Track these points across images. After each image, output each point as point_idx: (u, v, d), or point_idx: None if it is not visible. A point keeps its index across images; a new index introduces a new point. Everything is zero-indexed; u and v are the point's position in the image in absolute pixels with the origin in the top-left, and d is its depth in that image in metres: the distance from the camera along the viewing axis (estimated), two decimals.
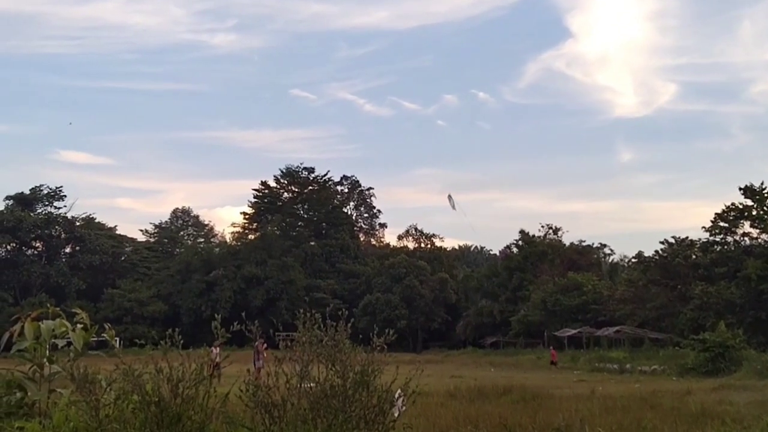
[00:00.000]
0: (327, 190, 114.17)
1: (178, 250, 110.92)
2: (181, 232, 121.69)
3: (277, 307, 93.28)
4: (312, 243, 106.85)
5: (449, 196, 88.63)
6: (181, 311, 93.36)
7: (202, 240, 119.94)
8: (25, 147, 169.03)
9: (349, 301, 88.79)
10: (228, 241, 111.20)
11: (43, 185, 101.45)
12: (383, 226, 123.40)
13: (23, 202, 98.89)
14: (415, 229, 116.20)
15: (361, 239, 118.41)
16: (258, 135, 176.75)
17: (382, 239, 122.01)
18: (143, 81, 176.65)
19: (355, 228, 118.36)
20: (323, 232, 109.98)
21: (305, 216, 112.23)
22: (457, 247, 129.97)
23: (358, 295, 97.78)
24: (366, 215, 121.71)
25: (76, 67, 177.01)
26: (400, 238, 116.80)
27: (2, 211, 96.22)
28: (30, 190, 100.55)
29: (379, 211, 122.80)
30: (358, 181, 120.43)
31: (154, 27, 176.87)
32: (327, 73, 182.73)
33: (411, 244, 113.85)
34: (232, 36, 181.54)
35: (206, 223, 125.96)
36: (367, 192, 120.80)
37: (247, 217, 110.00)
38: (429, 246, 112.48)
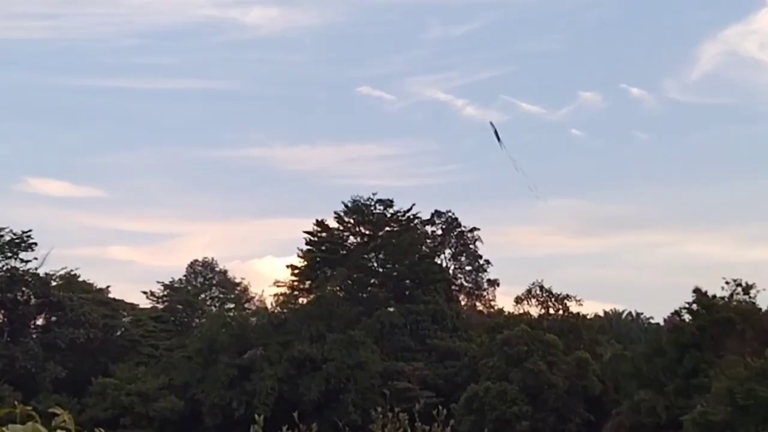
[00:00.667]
0: (412, 231, 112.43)
1: (198, 320, 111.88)
2: (203, 295, 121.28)
3: (342, 402, 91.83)
4: (391, 309, 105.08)
5: (491, 123, 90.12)
6: (204, 409, 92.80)
7: (233, 306, 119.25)
8: None
9: (446, 394, 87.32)
10: (269, 307, 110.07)
11: (4, 229, 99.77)
12: (494, 283, 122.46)
13: None
14: (541, 287, 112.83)
15: (463, 303, 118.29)
16: (312, 153, 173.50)
17: (492, 303, 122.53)
18: (147, 77, 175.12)
19: (454, 287, 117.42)
20: (407, 292, 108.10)
21: (381, 270, 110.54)
22: (601, 314, 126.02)
23: (458, 384, 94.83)
24: (469, 268, 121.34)
25: (52, 59, 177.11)
26: (518, 300, 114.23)
27: None
28: None
29: (487, 261, 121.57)
30: (456, 219, 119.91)
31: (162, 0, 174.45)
32: (411, 62, 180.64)
33: (535, 310, 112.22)
34: (273, 11, 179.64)
35: (238, 281, 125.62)
36: (469, 235, 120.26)
37: (296, 271, 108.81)
38: (561, 312, 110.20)
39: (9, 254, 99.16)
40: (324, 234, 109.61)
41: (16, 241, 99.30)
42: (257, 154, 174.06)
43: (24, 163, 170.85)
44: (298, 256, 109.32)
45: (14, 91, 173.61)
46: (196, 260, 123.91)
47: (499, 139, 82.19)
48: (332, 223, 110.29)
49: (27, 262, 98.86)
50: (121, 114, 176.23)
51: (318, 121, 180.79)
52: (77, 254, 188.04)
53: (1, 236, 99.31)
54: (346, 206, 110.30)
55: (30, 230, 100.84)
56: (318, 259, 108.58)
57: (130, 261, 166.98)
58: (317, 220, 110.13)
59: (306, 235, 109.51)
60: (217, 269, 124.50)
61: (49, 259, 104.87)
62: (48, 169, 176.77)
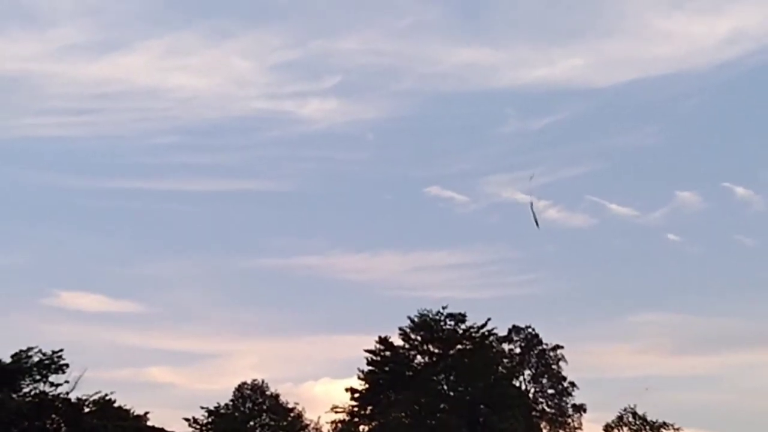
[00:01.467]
0: (487, 350, 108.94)
1: None
2: (252, 422, 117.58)
3: None
4: None
5: (531, 204, 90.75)
6: None
7: None
8: (3, 286, 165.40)
9: None
10: None
11: (32, 348, 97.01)
12: (580, 408, 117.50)
13: (1, 376, 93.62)
14: (633, 414, 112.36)
15: (545, 431, 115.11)
16: (374, 261, 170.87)
17: (578, 431, 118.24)
18: (189, 178, 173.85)
19: (534, 412, 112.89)
20: (481, 419, 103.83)
21: (452, 393, 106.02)
22: None
23: None
24: (551, 391, 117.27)
25: (84, 158, 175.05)
26: (608, 429, 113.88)
27: None
28: (12, 357, 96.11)
29: (572, 384, 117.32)
30: (537, 336, 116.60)
31: (207, 92, 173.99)
32: (485, 159, 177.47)
33: None
34: (331, 103, 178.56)
35: (291, 406, 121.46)
36: (551, 353, 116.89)
37: (357, 395, 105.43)
38: None
39: (38, 377, 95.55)
40: (388, 353, 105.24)
41: (46, 362, 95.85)
42: (312, 263, 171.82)
43: (54, 275, 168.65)
44: (359, 377, 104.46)
45: (43, 195, 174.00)
46: (244, 383, 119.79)
47: (537, 223, 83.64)
48: (397, 341, 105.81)
49: (57, 385, 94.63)
50: (160, 219, 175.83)
51: (381, 226, 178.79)
52: (113, 376, 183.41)
53: (29, 357, 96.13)
54: (412, 321, 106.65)
55: (61, 350, 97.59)
56: (381, 381, 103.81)
57: (171, 383, 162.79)
58: (380, 337, 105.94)
59: (367, 354, 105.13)
60: (267, 393, 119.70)
61: (82, 381, 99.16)
62: (80, 281, 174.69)
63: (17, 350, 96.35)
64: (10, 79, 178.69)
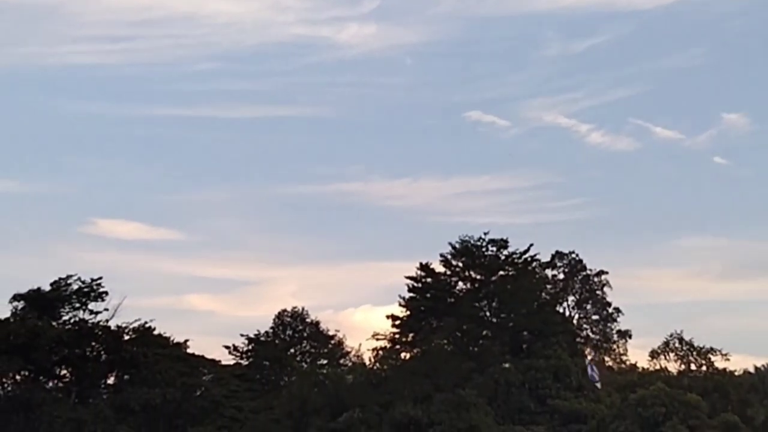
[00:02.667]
0: (530, 276, 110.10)
1: (286, 378, 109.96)
2: (292, 350, 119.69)
3: None
4: (506, 365, 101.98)
5: (589, 365, 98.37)
6: None
7: (326, 362, 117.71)
8: (42, 215, 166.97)
9: None
10: (367, 363, 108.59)
11: (71, 276, 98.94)
12: (625, 335, 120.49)
13: (41, 304, 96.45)
14: (680, 339, 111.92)
15: (590, 357, 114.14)
16: (414, 187, 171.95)
17: (623, 357, 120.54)
18: (227, 105, 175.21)
19: (579, 339, 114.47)
20: (525, 346, 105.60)
21: (494, 320, 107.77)
22: (752, 370, 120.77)
23: None
24: (596, 317, 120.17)
25: (121, 86, 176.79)
26: (654, 355, 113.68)
27: (8, 319, 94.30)
28: (51, 284, 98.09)
29: (617, 310, 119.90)
30: (581, 261, 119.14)
31: (245, 18, 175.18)
32: (527, 83, 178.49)
33: (673, 366, 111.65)
34: (370, 28, 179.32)
35: (331, 333, 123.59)
36: (596, 279, 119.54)
37: (398, 322, 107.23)
38: (704, 368, 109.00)
39: (77, 305, 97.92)
40: (429, 279, 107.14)
41: (85, 290, 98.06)
42: (352, 189, 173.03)
43: (92, 203, 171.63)
44: (400, 304, 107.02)
45: (81, 123, 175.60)
46: (284, 310, 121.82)
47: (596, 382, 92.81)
48: (438, 267, 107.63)
49: (97, 313, 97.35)
50: (199, 146, 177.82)
51: (421, 152, 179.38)
52: (152, 304, 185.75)
53: (68, 285, 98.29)
54: (453, 248, 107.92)
55: (100, 278, 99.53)
56: (422, 308, 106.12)
57: (211, 311, 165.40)
58: (421, 264, 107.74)
59: (408, 281, 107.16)
60: (307, 320, 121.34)
61: (121, 309, 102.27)
62: (119, 209, 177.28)
63: (57, 278, 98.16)
64: (47, 7, 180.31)
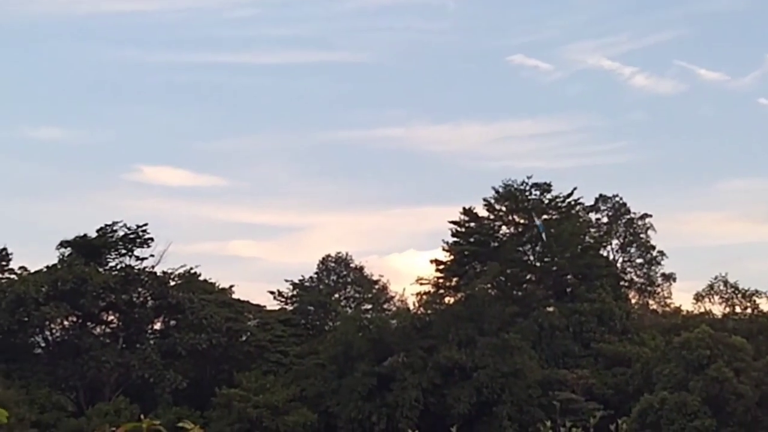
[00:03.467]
0: (574, 219, 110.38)
1: (331, 323, 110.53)
2: (336, 295, 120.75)
3: (496, 415, 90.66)
4: (550, 308, 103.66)
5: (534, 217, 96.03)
6: (339, 423, 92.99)
7: (370, 307, 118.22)
8: (87, 162, 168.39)
9: (616, 405, 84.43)
10: (411, 307, 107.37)
11: (116, 223, 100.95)
12: (669, 278, 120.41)
13: (87, 250, 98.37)
14: (725, 282, 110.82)
15: (633, 301, 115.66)
16: (457, 132, 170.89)
17: (667, 300, 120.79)
18: (268, 51, 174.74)
19: (623, 282, 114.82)
20: (569, 289, 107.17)
21: (538, 264, 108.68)
22: None
23: (629, 394, 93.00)
24: (640, 260, 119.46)
25: (161, 34, 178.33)
26: (698, 298, 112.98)
27: (55, 265, 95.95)
28: (97, 231, 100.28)
29: (661, 253, 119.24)
30: (625, 205, 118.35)
31: None
32: (570, 26, 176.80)
33: (718, 308, 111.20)
34: None
35: (375, 278, 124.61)
36: (640, 222, 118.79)
37: (441, 267, 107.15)
38: (749, 311, 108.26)
39: (123, 251, 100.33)
40: (472, 224, 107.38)
41: (131, 236, 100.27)
42: (395, 134, 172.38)
43: (136, 150, 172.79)
44: (444, 249, 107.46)
45: (122, 71, 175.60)
46: (328, 255, 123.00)
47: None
48: (481, 212, 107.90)
49: (143, 259, 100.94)
50: (240, 93, 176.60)
51: (463, 97, 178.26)
52: (197, 250, 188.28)
53: (114, 231, 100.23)
54: (496, 192, 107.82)
55: (145, 224, 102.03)
56: (466, 252, 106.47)
57: (255, 257, 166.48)
58: (464, 209, 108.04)
59: (452, 226, 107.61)
60: (351, 265, 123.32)
61: (167, 256, 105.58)
62: (163, 156, 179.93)
63: (102, 225, 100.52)
64: None
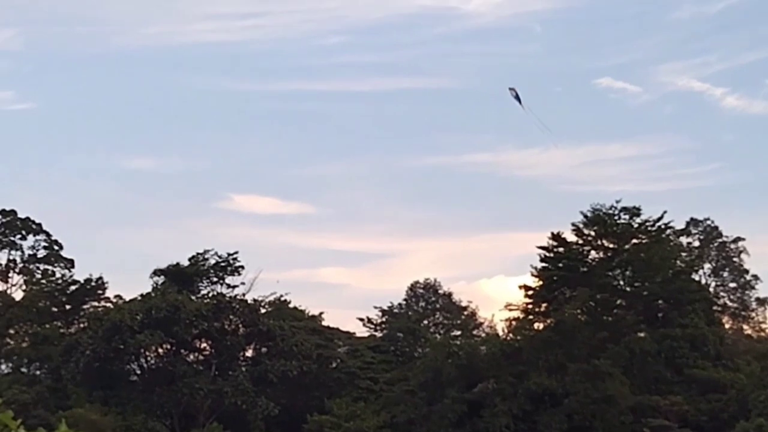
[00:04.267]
0: (664, 243, 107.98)
1: (420, 350, 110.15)
2: (425, 321, 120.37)
3: None
4: (641, 334, 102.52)
5: (511, 89, 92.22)
6: None
7: (459, 333, 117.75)
8: (178, 190, 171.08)
9: None
10: (501, 333, 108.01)
11: (208, 251, 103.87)
12: (764, 302, 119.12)
13: (180, 278, 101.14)
14: None
15: (727, 326, 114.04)
16: (545, 156, 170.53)
17: (762, 325, 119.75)
18: (356, 78, 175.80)
19: (716, 307, 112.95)
20: (660, 314, 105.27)
21: (628, 289, 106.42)
22: None
23: (724, 421, 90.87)
24: (733, 285, 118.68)
25: (250, 62, 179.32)
26: None
27: (149, 294, 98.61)
28: (189, 259, 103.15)
29: (755, 277, 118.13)
30: (716, 228, 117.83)
31: None
32: (658, 47, 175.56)
33: None
34: None
35: (464, 304, 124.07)
36: (732, 246, 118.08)
37: (530, 292, 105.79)
38: None
39: (215, 279, 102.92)
40: (561, 249, 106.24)
41: (222, 264, 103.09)
42: (482, 159, 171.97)
43: (227, 179, 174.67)
44: (532, 275, 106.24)
45: (214, 99, 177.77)
46: (417, 282, 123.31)
47: (520, 102, 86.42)
48: (570, 237, 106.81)
49: (234, 287, 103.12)
50: (329, 120, 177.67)
51: (551, 120, 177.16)
52: (287, 277, 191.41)
53: (206, 260, 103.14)
54: (585, 216, 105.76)
55: (236, 252, 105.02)
56: (555, 277, 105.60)
57: (345, 284, 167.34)
58: (553, 234, 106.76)
59: (540, 251, 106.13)
60: (440, 292, 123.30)
61: (257, 283, 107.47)
62: (253, 184, 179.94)
63: (194, 253, 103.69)
64: None
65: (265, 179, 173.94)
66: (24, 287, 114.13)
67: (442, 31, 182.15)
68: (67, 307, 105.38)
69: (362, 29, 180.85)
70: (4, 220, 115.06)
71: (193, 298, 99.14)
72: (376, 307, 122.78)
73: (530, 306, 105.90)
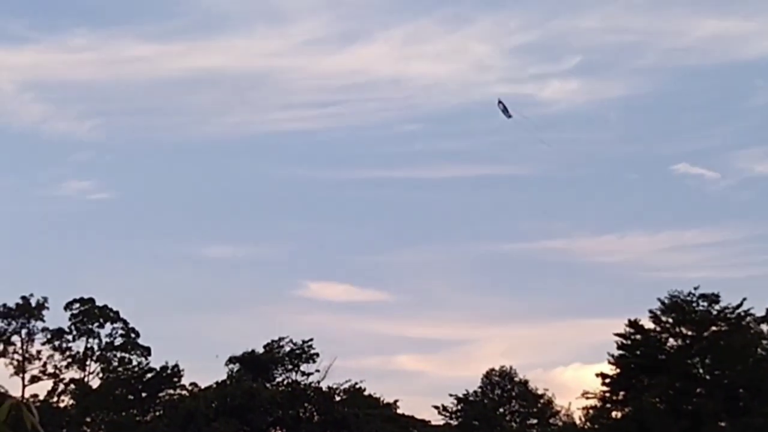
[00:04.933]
0: (744, 331, 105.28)
1: None
2: (501, 409, 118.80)
3: None
4: (722, 423, 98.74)
5: (499, 102, 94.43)
6: None
7: (536, 421, 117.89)
8: (254, 278, 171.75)
9: None
10: (578, 422, 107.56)
11: (283, 339, 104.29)
12: None
13: (255, 366, 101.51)
14: None
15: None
16: (621, 243, 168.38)
17: None
18: (431, 165, 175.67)
19: None
20: (741, 404, 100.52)
21: (708, 377, 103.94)
22: None
23: None
24: None
25: (329, 150, 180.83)
26: None
27: (224, 381, 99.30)
28: (264, 347, 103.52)
29: None
30: None
31: (448, 79, 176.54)
32: (736, 133, 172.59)
33: None
34: (572, 84, 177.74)
35: (540, 392, 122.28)
36: None
37: (608, 380, 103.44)
38: None
39: (289, 367, 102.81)
40: (638, 336, 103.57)
41: (297, 351, 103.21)
42: (557, 246, 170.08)
43: (303, 266, 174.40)
44: (609, 362, 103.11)
45: (289, 187, 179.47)
46: (492, 369, 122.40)
47: (508, 113, 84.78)
48: (647, 324, 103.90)
49: (308, 374, 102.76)
50: (403, 207, 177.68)
51: (627, 207, 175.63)
52: (361, 365, 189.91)
53: (281, 347, 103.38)
54: (663, 303, 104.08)
55: (311, 339, 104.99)
56: (632, 365, 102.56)
57: (420, 371, 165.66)
58: (630, 321, 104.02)
59: (617, 338, 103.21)
60: (516, 379, 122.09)
61: (332, 370, 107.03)
62: (328, 271, 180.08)
63: (269, 341, 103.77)
64: (257, 76, 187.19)
65: (340, 266, 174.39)
66: (101, 375, 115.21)
67: (516, 118, 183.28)
68: (143, 394, 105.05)
69: (438, 117, 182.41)
70: (82, 309, 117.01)
71: (268, 385, 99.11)
72: (451, 395, 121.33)
73: (607, 394, 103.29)
